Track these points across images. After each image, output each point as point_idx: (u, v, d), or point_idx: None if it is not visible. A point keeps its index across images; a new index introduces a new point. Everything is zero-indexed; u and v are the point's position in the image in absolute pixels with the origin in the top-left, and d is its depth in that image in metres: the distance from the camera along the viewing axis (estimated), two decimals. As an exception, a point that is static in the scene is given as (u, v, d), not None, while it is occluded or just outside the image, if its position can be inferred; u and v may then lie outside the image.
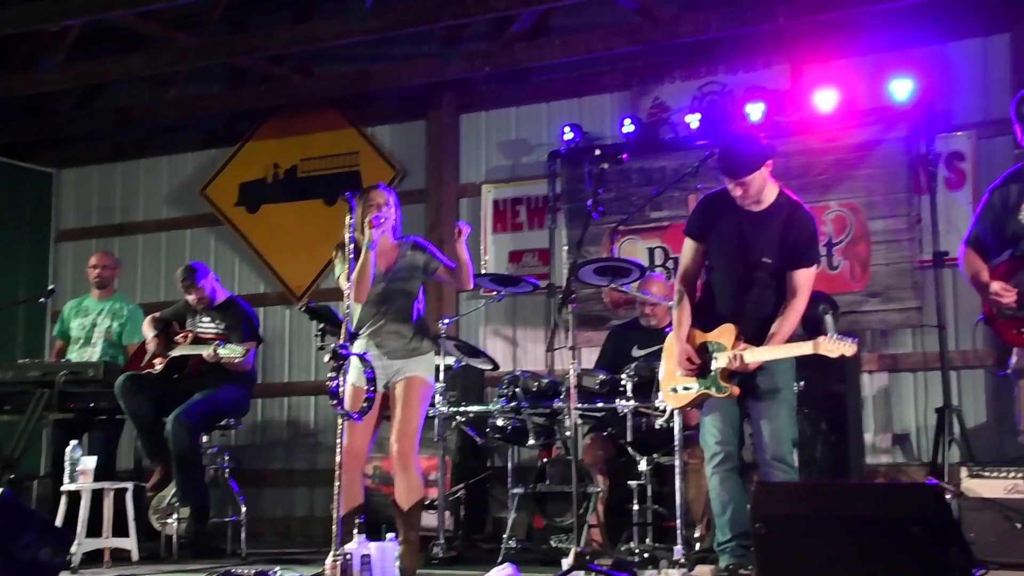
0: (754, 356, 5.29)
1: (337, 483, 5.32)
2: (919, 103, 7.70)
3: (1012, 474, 6.11)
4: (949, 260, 7.57)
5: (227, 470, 7.65)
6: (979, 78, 7.88)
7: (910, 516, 4.15)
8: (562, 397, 6.77)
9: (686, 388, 5.53)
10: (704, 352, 5.46)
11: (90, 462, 7.02)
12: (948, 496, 6.25)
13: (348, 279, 5.73)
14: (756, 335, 5.36)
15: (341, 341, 5.39)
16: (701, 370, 5.45)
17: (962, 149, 7.82)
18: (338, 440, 5.36)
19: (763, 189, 5.39)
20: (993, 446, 7.48)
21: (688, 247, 5.66)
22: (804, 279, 5.40)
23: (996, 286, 4.93)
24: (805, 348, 5.26)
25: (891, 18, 7.92)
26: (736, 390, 5.38)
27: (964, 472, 6.27)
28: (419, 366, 6.04)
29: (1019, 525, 6.01)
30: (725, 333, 5.42)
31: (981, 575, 5.42)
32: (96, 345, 8.49)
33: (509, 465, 7.17)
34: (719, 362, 5.39)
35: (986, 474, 6.20)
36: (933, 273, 7.61)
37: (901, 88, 7.68)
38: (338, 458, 5.35)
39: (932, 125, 7.71)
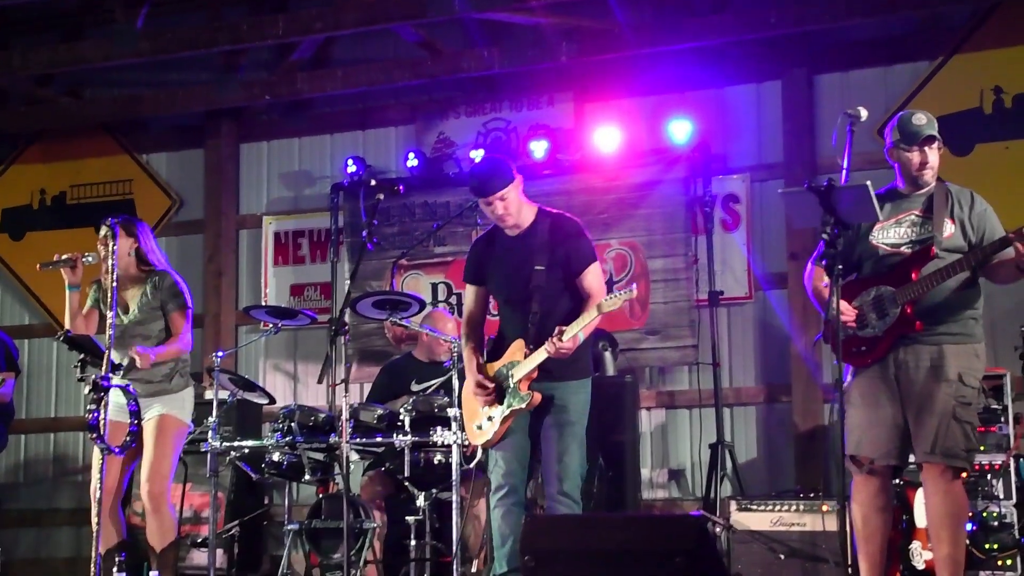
0: (567, 332, 5.21)
1: (96, 519, 5.14)
2: (697, 145, 7.90)
3: (778, 507, 6.31)
4: (724, 299, 7.81)
5: None
6: (753, 123, 8.14)
7: (673, 548, 4.20)
8: (338, 432, 6.62)
9: (490, 418, 5.47)
10: (498, 378, 5.44)
11: None
12: (715, 528, 6.40)
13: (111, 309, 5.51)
14: (546, 337, 5.32)
15: (103, 372, 5.21)
16: (499, 395, 5.41)
17: (737, 191, 8.05)
18: (97, 475, 5.24)
19: (520, 209, 5.45)
20: (763, 480, 7.73)
21: (469, 292, 5.72)
22: (593, 277, 5.44)
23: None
24: (592, 313, 5.22)
25: (672, 60, 8.11)
26: (538, 396, 5.33)
27: (734, 505, 6.43)
28: (170, 405, 5.99)
29: (782, 556, 6.21)
30: (513, 350, 5.42)
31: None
32: None
33: (286, 502, 6.99)
34: (515, 376, 5.36)
35: (754, 507, 6.38)
36: (709, 311, 7.79)
37: (680, 130, 7.87)
38: (97, 494, 5.20)
39: (709, 167, 7.93)
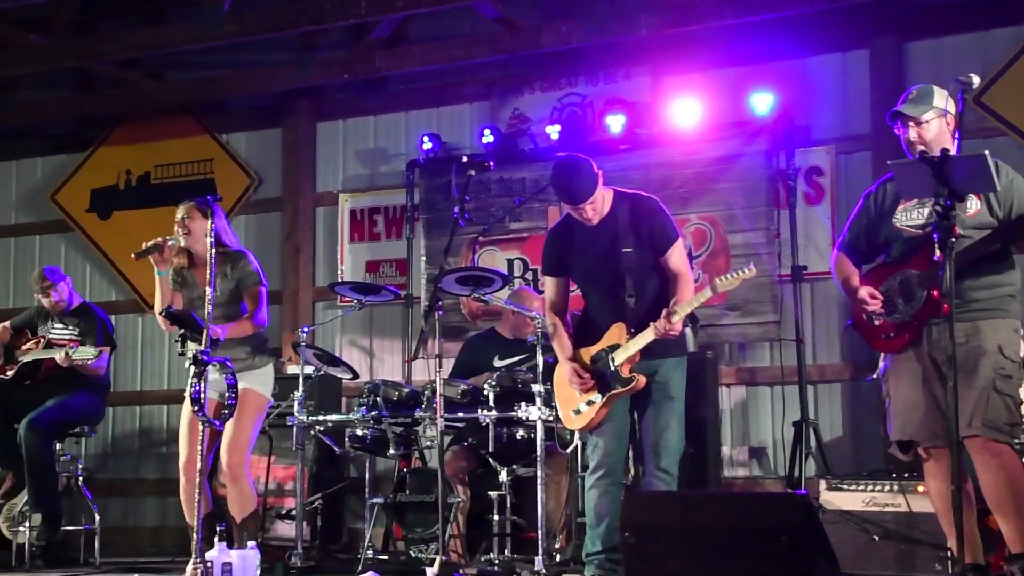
0: (678, 314, 5.23)
1: (197, 492, 5.30)
2: (779, 117, 7.79)
3: (870, 487, 6.21)
4: (808, 274, 7.71)
5: (80, 478, 7.60)
6: (838, 93, 7.99)
7: (779, 526, 4.18)
8: (423, 407, 6.67)
9: (589, 403, 5.47)
10: (595, 363, 5.44)
11: None
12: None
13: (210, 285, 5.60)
14: (646, 321, 5.33)
15: (202, 347, 5.31)
16: (598, 381, 5.41)
17: (821, 164, 7.94)
18: (199, 447, 5.33)
19: (600, 206, 5.45)
20: (849, 459, 7.63)
21: (550, 284, 5.73)
22: (677, 255, 5.45)
23: (864, 292, 4.98)
24: (706, 293, 5.25)
25: (753, 32, 8.00)
26: (642, 379, 5.34)
27: (823, 485, 6.34)
28: (253, 380, 6.08)
29: (876, 538, 6.12)
30: (612, 334, 5.42)
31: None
32: None
33: (367, 475, 7.06)
34: (617, 360, 5.36)
35: (844, 486, 6.28)
36: (792, 287, 7.71)
37: (762, 102, 7.77)
38: (198, 465, 5.33)
39: (792, 139, 7.81)
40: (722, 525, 4.24)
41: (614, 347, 5.39)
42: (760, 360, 8.05)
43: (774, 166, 7.86)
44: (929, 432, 4.83)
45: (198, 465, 5.49)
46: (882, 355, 5.06)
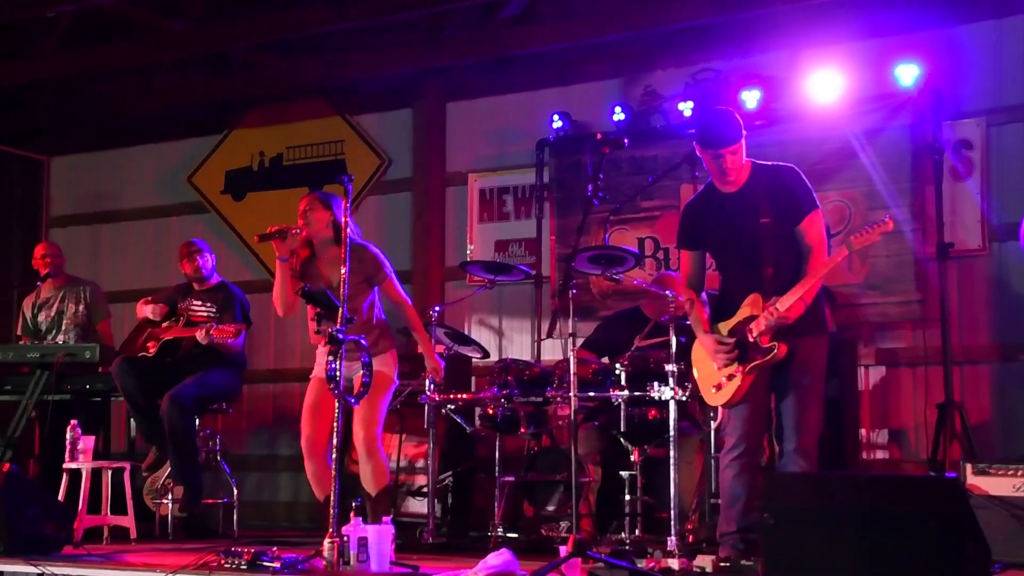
0: (788, 300, 5.17)
1: (333, 467, 5.33)
2: (925, 89, 7.52)
3: (1021, 472, 5.96)
4: (955, 252, 7.42)
5: (219, 453, 7.75)
6: (991, 62, 7.68)
7: (928, 510, 4.02)
8: (554, 386, 6.63)
9: (730, 377, 5.37)
10: (733, 336, 5.35)
11: (89, 441, 7.04)
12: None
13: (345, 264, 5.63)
14: (787, 289, 5.25)
15: (338, 326, 5.36)
16: (739, 352, 5.31)
17: (971, 137, 7.65)
18: (334, 424, 5.37)
19: (740, 166, 5.37)
20: (997, 443, 7.38)
21: (685, 258, 5.66)
22: (814, 227, 5.35)
23: None
24: (840, 255, 5.25)
25: (895, 0, 7.77)
26: (784, 348, 5.23)
27: (969, 469, 6.11)
28: (382, 362, 6.17)
29: (1028, 524, 5.89)
30: (750, 305, 5.33)
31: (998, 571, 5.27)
32: (68, 331, 8.53)
33: (497, 454, 7.05)
34: (755, 331, 5.26)
35: (993, 471, 6.05)
36: (937, 265, 7.41)
37: (907, 73, 7.51)
38: (331, 442, 5.38)
39: (939, 112, 7.54)
40: (867, 508, 4.09)
41: (751, 318, 5.29)
42: (900, 340, 7.81)
43: (919, 140, 7.60)
44: None
45: (328, 442, 5.53)
46: None
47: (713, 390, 5.46)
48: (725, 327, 5.41)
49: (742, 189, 5.39)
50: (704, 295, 5.62)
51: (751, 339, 5.27)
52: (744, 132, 5.32)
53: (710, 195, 5.51)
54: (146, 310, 7.87)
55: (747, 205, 5.36)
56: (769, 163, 5.50)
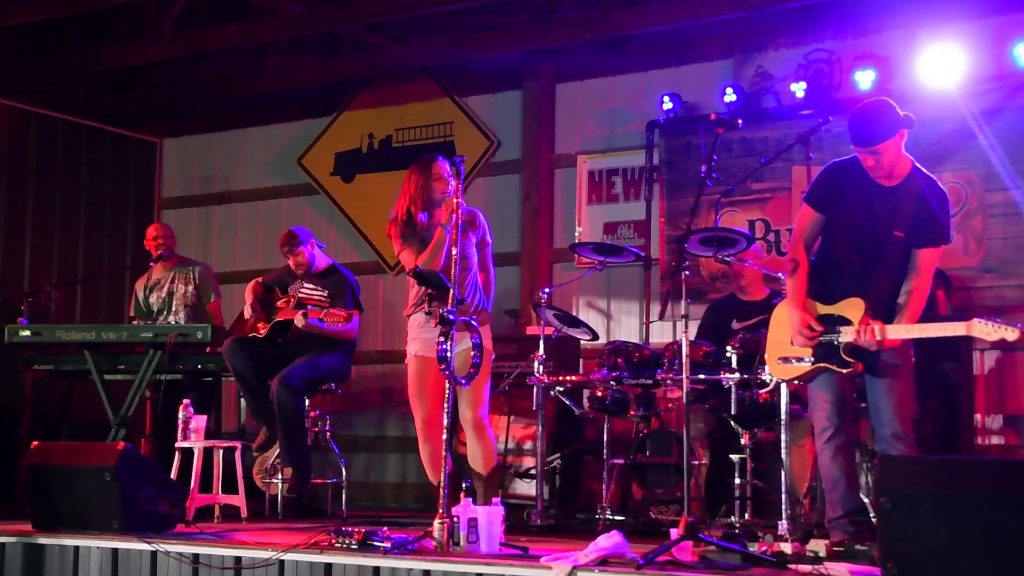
0: (895, 334, 5.04)
1: (444, 448, 5.37)
2: (1049, 68, 7.35)
3: None
4: (1078, 235, 7.27)
5: (328, 433, 7.81)
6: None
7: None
8: (664, 368, 6.62)
9: (799, 360, 5.29)
10: (825, 324, 5.23)
11: (201, 421, 7.11)
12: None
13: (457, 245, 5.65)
14: (882, 313, 5.13)
15: (449, 307, 5.38)
16: (820, 342, 5.22)
17: (1093, 117, 7.47)
18: (445, 405, 5.38)
19: (896, 162, 5.14)
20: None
21: (807, 216, 5.41)
22: (930, 259, 5.18)
23: None
24: (957, 329, 4.99)
25: (1018, -22, 7.61)
26: (860, 366, 5.14)
27: (1090, 455, 6.01)
28: (484, 336, 6.10)
29: None
30: (851, 307, 5.18)
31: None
32: (179, 312, 8.61)
33: (605, 436, 7.06)
34: (844, 336, 5.14)
35: (1115, 457, 5.94)
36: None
37: (1028, 52, 7.37)
38: (443, 422, 5.39)
39: (1064, 91, 7.38)
40: (988, 492, 4.04)
41: (847, 321, 5.16)
42: (1017, 324, 7.63)
43: (1040, 121, 7.43)
44: None
45: (440, 423, 5.53)
46: None
47: (779, 361, 5.37)
48: (820, 309, 5.26)
49: (896, 187, 5.17)
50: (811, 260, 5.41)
51: (836, 342, 5.16)
52: (898, 132, 5.07)
53: (859, 170, 5.21)
54: (245, 308, 7.95)
55: (893, 208, 5.15)
56: (927, 173, 5.25)
